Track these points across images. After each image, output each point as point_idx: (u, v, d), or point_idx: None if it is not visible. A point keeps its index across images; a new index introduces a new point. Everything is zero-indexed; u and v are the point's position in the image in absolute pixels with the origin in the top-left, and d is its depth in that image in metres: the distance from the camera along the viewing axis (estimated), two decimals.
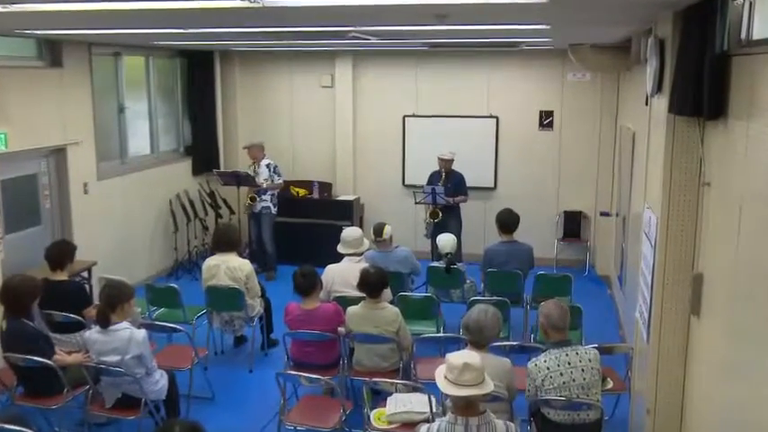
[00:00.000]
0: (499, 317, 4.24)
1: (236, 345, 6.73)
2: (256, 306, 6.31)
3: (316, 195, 9.43)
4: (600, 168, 8.94)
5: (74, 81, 7.23)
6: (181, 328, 5.49)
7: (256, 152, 8.63)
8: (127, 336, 4.53)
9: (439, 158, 8.45)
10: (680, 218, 4.00)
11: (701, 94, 3.39)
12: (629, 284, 6.23)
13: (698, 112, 3.48)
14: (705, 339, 3.69)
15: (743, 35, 3.19)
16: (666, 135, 4.00)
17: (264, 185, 8.56)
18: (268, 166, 8.65)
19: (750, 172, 2.95)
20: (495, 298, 5.92)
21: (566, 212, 9.28)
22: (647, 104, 5.13)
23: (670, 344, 4.11)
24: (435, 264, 6.74)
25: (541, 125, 9.19)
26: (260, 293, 6.38)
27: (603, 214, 8.81)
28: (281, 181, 8.78)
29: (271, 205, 8.75)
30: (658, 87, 4.32)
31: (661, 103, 4.31)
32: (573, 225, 9.27)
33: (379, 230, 6.35)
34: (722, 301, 3.32)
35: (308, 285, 5.24)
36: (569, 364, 4.01)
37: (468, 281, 6.67)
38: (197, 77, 9.44)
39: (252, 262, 6.51)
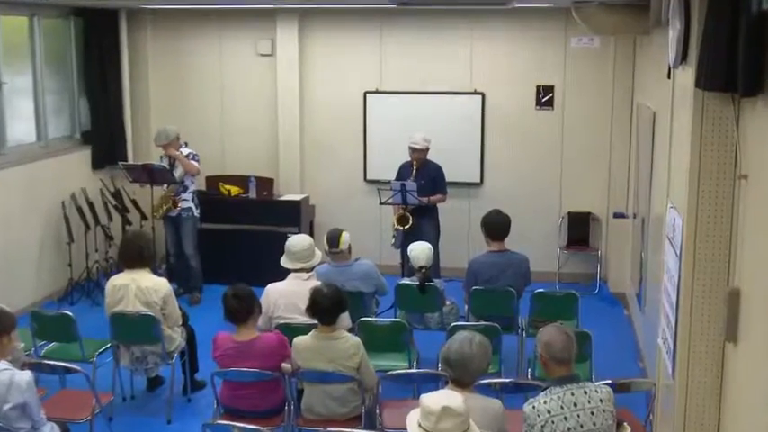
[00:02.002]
0: (487, 347, 4.25)
1: (151, 388, 6.66)
2: (176, 338, 6.25)
3: (252, 195, 9.37)
4: (613, 158, 9.06)
5: None
6: (77, 367, 5.41)
7: (171, 148, 8.50)
8: (6, 379, 4.44)
9: (410, 147, 8.47)
10: (711, 219, 4.07)
11: (735, 64, 3.44)
12: (651, 304, 6.31)
13: (731, 86, 3.53)
14: (744, 372, 3.75)
15: None
16: (693, 116, 4.07)
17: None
18: (187, 156, 8.57)
19: None
20: (482, 323, 5.94)
21: (570, 214, 9.38)
22: (669, 77, 5.21)
23: (701, 378, 4.17)
24: (406, 280, 6.74)
25: (539, 104, 9.28)
26: (181, 321, 6.33)
27: (618, 216, 8.91)
28: (197, 166, 8.58)
29: (192, 206, 8.68)
30: (683, 56, 4.39)
31: (686, 76, 4.38)
32: (579, 230, 9.37)
33: (334, 239, 6.34)
34: (765, 323, 3.38)
35: (242, 310, 5.20)
36: (576, 405, 4.05)
37: (447, 302, 6.68)
38: (97, 44, 9.32)
39: (170, 281, 6.44)
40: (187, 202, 8.64)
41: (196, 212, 8.74)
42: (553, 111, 9.26)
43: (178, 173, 8.52)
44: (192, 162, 8.53)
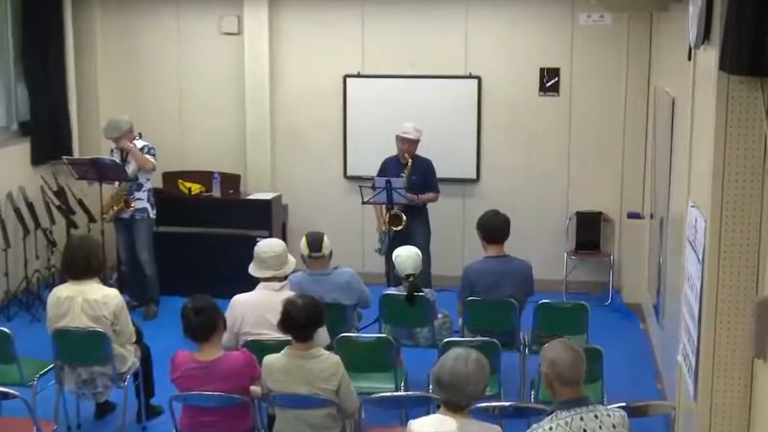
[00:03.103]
0: (485, 366, 4.26)
1: (100, 415, 6.63)
2: (129, 357, 6.23)
3: (216, 193, 9.35)
4: (627, 150, 9.09)
5: None
6: (15, 392, 5.38)
7: (124, 141, 8.47)
8: None
9: (398, 138, 8.48)
10: (737, 220, 4.09)
11: (763, 43, 3.46)
12: (670, 316, 6.34)
13: (760, 69, 3.55)
14: None
15: None
16: (717, 103, 4.08)
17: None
18: (143, 150, 8.53)
19: None
20: (478, 339, 5.95)
21: (579, 215, 9.41)
22: (690, 59, 5.23)
23: (726, 400, 4.19)
24: (392, 291, 6.75)
25: (543, 89, 9.31)
26: (134, 338, 6.31)
27: (633, 216, 8.95)
28: (154, 161, 8.57)
29: (147, 206, 8.65)
30: (705, 35, 4.41)
31: (709, 58, 4.40)
32: (589, 233, 9.40)
33: (317, 242, 6.36)
34: None
35: (205, 326, 5.19)
36: (585, 431, 4.06)
37: (440, 315, 6.69)
38: (37, 23, 9.27)
39: (122, 292, 6.41)
40: (142, 201, 8.60)
41: (152, 214, 8.70)
42: (559, 97, 9.29)
43: (131, 168, 8.48)
44: (147, 156, 8.49)
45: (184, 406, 5.27)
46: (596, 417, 4.10)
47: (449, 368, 4.18)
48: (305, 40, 9.60)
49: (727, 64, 3.80)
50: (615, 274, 9.32)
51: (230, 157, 9.77)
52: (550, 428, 4.05)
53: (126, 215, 8.60)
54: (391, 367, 6.01)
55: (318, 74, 9.59)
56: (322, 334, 5.48)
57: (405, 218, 8.30)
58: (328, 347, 5.56)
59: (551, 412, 4.14)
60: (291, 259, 6.12)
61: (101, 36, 9.85)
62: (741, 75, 3.78)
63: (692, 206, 4.79)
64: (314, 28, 9.56)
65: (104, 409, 6.62)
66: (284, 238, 8.54)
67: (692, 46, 4.89)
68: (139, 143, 8.56)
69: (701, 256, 4.39)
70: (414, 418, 4.06)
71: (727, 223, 4.10)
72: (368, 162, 9.13)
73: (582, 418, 4.06)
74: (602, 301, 8.98)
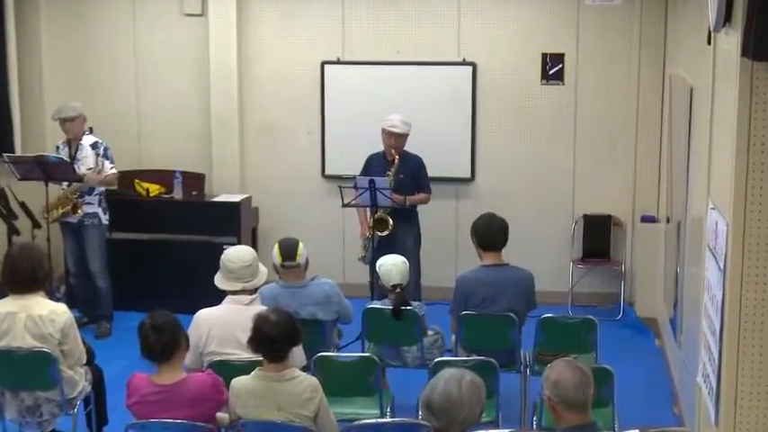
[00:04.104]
0: (480, 388, 4.26)
1: None
2: (79, 381, 6.20)
3: (178, 195, 9.35)
4: (639, 145, 9.14)
5: None
6: None
7: (77, 126, 8.48)
8: None
9: (386, 132, 8.46)
10: (763, 223, 4.11)
11: None
12: (689, 332, 6.36)
13: None
14: None
15: None
16: (740, 92, 4.11)
17: (90, 178, 8.44)
18: (95, 147, 8.52)
19: None
20: (473, 358, 5.96)
21: (586, 218, 9.44)
22: (709, 44, 5.26)
23: (751, 425, 4.21)
24: (377, 304, 6.74)
25: (545, 77, 9.34)
26: (85, 360, 6.28)
27: (646, 220, 8.98)
28: (113, 170, 8.67)
29: (99, 211, 8.63)
30: (726, 17, 4.44)
31: (730, 42, 4.42)
32: (598, 238, 9.43)
33: (291, 249, 6.35)
34: None
35: (165, 344, 5.17)
36: None
37: (430, 331, 6.69)
38: None
39: (71, 307, 6.37)
40: (92, 206, 8.58)
41: (104, 219, 8.69)
42: (563, 86, 9.32)
43: (84, 166, 8.45)
44: (108, 167, 8.52)
45: None
46: None
47: (440, 391, 4.18)
48: (278, 22, 9.60)
49: (751, 49, 3.82)
50: (627, 284, 9.34)
51: (193, 155, 9.76)
52: None
53: (73, 220, 8.57)
54: (376, 391, 6.00)
55: (293, 60, 9.60)
56: (297, 353, 5.47)
57: (391, 222, 8.30)
58: (304, 368, 5.55)
59: None
60: (263, 269, 6.10)
61: (46, 22, 9.77)
62: (766, 61, 3.80)
63: (713, 208, 4.81)
64: (288, 8, 9.56)
65: None
66: (254, 246, 8.55)
67: (711, 29, 4.92)
68: (90, 139, 8.55)
69: (722, 265, 4.41)
70: None
71: (752, 227, 4.12)
72: (349, 159, 9.14)
73: None
74: (612, 316, 9.00)
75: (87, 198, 8.55)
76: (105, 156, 8.57)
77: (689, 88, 6.58)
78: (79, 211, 8.50)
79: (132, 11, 9.79)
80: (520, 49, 9.30)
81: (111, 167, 8.65)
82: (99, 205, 8.64)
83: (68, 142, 8.61)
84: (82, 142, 8.55)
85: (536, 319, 6.60)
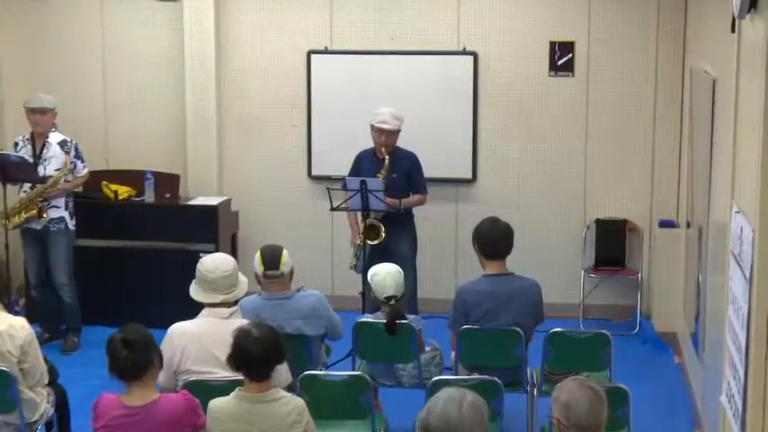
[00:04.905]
0: (483, 410, 4.25)
1: None
2: (41, 403, 6.19)
3: (149, 198, 9.34)
4: (657, 143, 9.16)
5: None
6: None
7: (47, 121, 8.45)
8: None
9: (375, 127, 8.46)
10: None
11: None
12: (712, 348, 6.36)
13: None
14: None
15: None
16: (767, 85, 4.12)
17: (56, 180, 8.43)
18: (63, 145, 8.52)
19: None
20: (475, 377, 5.95)
21: (599, 223, 9.44)
22: (733, 31, 5.27)
23: None
24: (369, 318, 6.74)
25: (554, 68, 9.35)
26: (47, 379, 6.27)
27: (665, 225, 8.99)
28: (85, 171, 8.67)
29: (66, 215, 8.62)
30: (751, 3, 4.45)
31: (756, 30, 4.43)
32: (612, 245, 9.43)
33: (273, 257, 6.34)
34: None
35: (136, 362, 5.15)
36: None
37: (427, 347, 6.70)
38: None
39: (31, 321, 6.36)
40: (59, 209, 8.56)
41: (71, 224, 8.66)
42: (573, 77, 9.33)
43: (52, 167, 8.44)
44: (78, 167, 8.53)
45: None
46: None
47: (438, 414, 4.17)
48: (260, 7, 9.60)
49: None
50: (644, 296, 9.35)
51: (166, 153, 9.77)
52: None
53: (37, 226, 8.54)
54: (367, 413, 5.99)
55: (277, 49, 9.60)
56: (282, 372, 5.46)
57: (384, 229, 8.27)
58: (289, 388, 5.54)
59: None
60: (243, 280, 6.08)
61: (1, 8, 9.78)
62: None
63: (738, 212, 4.82)
64: None
65: None
66: (234, 254, 8.55)
67: (735, 15, 4.93)
68: (57, 136, 8.54)
69: (748, 274, 4.42)
70: None
71: None
72: (337, 158, 9.14)
73: None
74: (627, 330, 9.01)
75: (53, 201, 8.53)
76: (77, 155, 8.56)
77: (711, 80, 6.59)
78: (45, 216, 8.48)
79: None
80: (526, 37, 9.31)
81: (84, 167, 8.65)
82: (66, 209, 8.61)
83: (32, 139, 8.59)
84: (48, 140, 8.54)
85: (544, 333, 6.60)
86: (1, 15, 9.81)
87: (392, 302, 6.56)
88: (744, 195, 4.74)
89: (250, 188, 9.80)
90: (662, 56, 9.01)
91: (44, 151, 8.50)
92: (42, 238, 8.63)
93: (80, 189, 8.87)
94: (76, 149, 8.59)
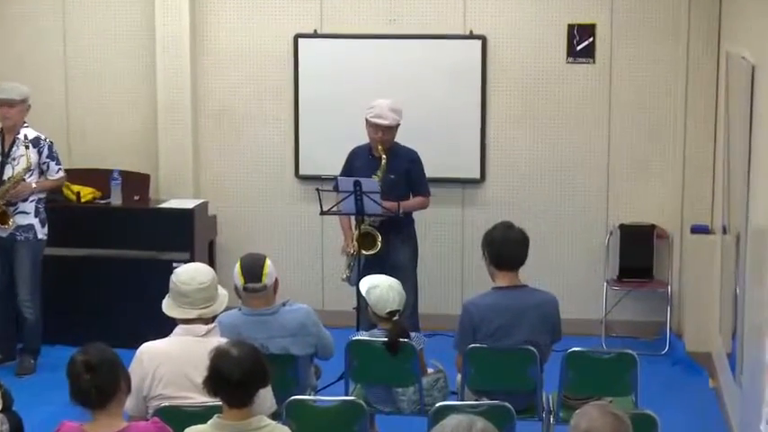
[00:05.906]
0: None
1: None
2: None
3: (116, 200, 9.36)
4: (689, 139, 9.15)
5: None
6: None
7: (18, 115, 8.45)
8: None
9: (371, 122, 8.46)
10: None
11: None
12: (751, 370, 6.36)
13: None
14: None
15: None
16: None
17: (16, 180, 8.43)
18: (36, 143, 8.54)
19: None
20: (484, 402, 5.94)
21: (624, 229, 9.46)
22: None
23: None
24: (364, 336, 6.75)
25: (572, 53, 9.36)
26: (1, 405, 6.27)
27: (698, 231, 8.99)
28: (59, 175, 8.69)
29: (35, 222, 8.63)
30: None
31: None
32: (638, 254, 9.44)
33: (254, 268, 6.34)
34: None
35: (100, 387, 5.14)
36: None
37: (430, 369, 6.70)
38: None
39: None
40: (27, 215, 8.56)
41: (41, 233, 8.66)
42: (594, 65, 9.35)
43: (19, 167, 8.43)
44: (53, 168, 8.59)
45: None
46: None
47: None
48: None
49: None
50: (674, 311, 9.36)
51: (135, 150, 9.80)
52: None
53: (2, 233, 8.53)
54: None
55: (260, 33, 9.63)
56: (265, 397, 5.45)
57: (380, 238, 8.28)
58: (274, 415, 5.54)
59: None
60: (222, 293, 6.06)
61: None
62: None
63: None
64: None
65: None
66: (212, 263, 8.56)
67: None
68: (30, 132, 8.56)
69: None
70: None
71: None
72: (328, 155, 9.17)
73: None
74: (656, 349, 9.03)
75: (21, 205, 8.53)
76: (51, 156, 8.57)
77: (750, 67, 6.60)
78: (10, 223, 8.46)
79: None
80: (540, 19, 9.33)
81: (59, 170, 8.64)
82: (36, 215, 8.60)
83: (1, 134, 8.60)
84: (18, 136, 8.55)
85: (561, 353, 6.61)
86: None
87: (395, 317, 6.57)
88: None
89: (229, 189, 9.81)
90: (694, 40, 9.00)
91: (13, 149, 8.50)
92: (6, 248, 8.62)
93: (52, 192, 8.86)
94: (50, 149, 8.61)
